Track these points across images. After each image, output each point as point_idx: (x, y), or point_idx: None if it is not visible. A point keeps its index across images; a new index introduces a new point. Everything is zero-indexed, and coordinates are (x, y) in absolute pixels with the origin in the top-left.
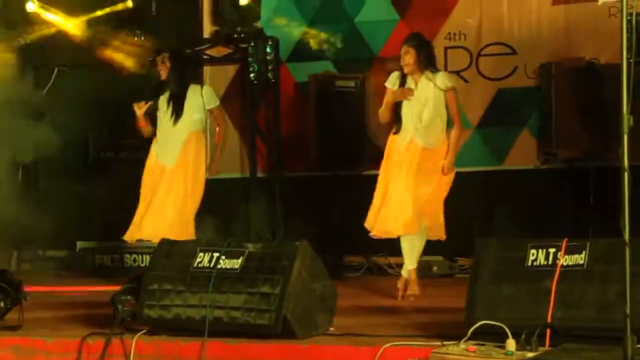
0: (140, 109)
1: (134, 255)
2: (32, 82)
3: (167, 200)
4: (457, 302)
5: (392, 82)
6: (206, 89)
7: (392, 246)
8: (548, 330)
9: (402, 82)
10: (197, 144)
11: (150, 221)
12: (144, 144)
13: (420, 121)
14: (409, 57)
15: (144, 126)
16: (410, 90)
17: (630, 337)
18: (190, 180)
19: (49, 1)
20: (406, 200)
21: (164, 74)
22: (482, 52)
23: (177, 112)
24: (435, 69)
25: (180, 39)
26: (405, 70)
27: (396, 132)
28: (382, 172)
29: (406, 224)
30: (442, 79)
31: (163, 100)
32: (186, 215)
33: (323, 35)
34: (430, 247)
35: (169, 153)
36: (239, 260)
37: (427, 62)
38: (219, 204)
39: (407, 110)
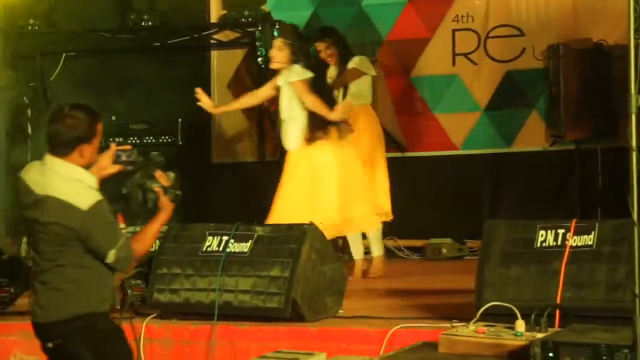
0: None
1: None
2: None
3: None
4: (467, 284)
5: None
6: None
7: (402, 229)
8: (557, 311)
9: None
10: None
11: None
12: (152, 130)
13: None
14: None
15: None
16: None
17: None
18: None
19: None
20: None
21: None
22: (490, 35)
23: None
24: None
25: (187, 24)
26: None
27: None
28: None
29: None
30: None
31: None
32: None
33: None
34: (440, 229)
35: None
36: (248, 244)
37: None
38: (228, 188)
39: None
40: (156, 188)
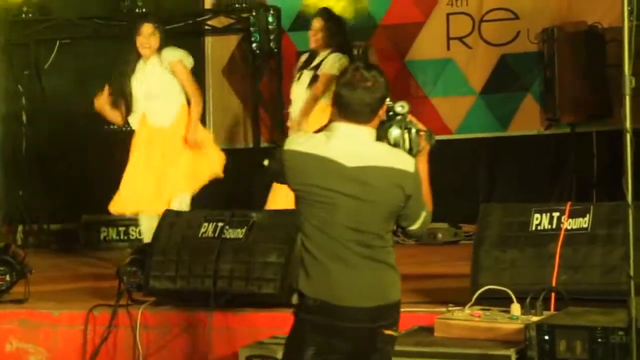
0: None
1: (139, 228)
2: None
3: None
4: (462, 268)
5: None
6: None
7: None
8: (553, 294)
9: None
10: None
11: None
12: None
13: None
14: None
15: None
16: None
17: (634, 299)
18: None
19: None
20: None
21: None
22: (485, 18)
23: None
24: None
25: (181, 10)
26: None
27: None
28: None
29: None
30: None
31: None
32: None
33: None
34: (435, 214)
35: None
36: (244, 230)
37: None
38: (224, 174)
39: None
40: (421, 132)
